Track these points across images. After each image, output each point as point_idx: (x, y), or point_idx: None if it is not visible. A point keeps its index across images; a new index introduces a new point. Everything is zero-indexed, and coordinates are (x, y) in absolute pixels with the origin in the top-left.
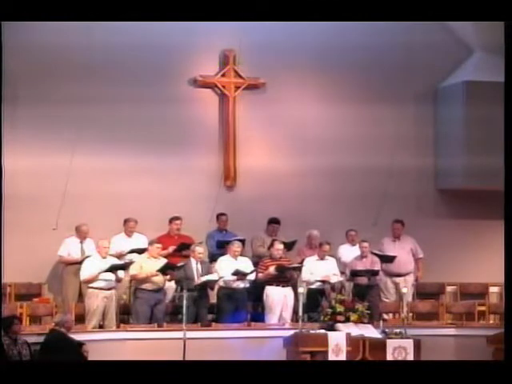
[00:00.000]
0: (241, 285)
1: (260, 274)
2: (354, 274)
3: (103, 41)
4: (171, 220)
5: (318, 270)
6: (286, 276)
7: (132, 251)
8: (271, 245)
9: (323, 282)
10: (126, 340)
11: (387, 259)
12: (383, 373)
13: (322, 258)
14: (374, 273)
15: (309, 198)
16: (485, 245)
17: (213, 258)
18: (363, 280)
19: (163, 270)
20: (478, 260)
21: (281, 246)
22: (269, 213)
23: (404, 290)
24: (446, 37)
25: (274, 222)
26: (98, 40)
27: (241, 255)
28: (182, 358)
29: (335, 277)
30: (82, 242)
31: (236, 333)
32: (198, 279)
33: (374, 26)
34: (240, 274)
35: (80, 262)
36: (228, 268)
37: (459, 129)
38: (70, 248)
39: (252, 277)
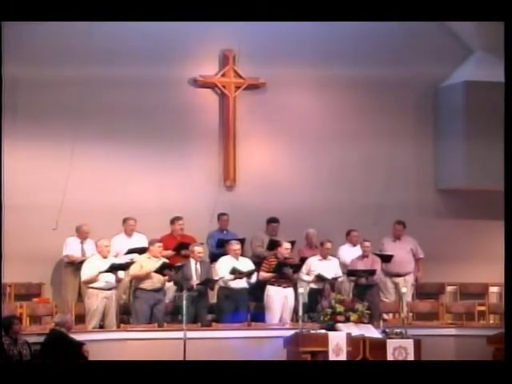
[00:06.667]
0: (240, 284)
1: (262, 273)
2: (351, 273)
3: (103, 41)
4: (173, 220)
5: (321, 269)
6: (285, 273)
7: (131, 251)
8: (278, 244)
9: (323, 280)
10: (126, 340)
11: (385, 259)
12: (383, 373)
13: (324, 258)
14: (371, 272)
15: (309, 198)
16: (485, 245)
17: (213, 258)
18: (361, 280)
19: (160, 270)
20: (478, 260)
21: (288, 245)
22: (269, 213)
23: (403, 290)
24: (446, 37)
25: (273, 221)
26: (98, 40)
27: (241, 255)
28: (182, 358)
29: (336, 276)
30: (82, 243)
31: (236, 333)
32: (198, 279)
33: (374, 26)
34: (237, 273)
35: (80, 263)
36: (228, 268)
37: (459, 129)
38: (71, 248)
39: (254, 278)
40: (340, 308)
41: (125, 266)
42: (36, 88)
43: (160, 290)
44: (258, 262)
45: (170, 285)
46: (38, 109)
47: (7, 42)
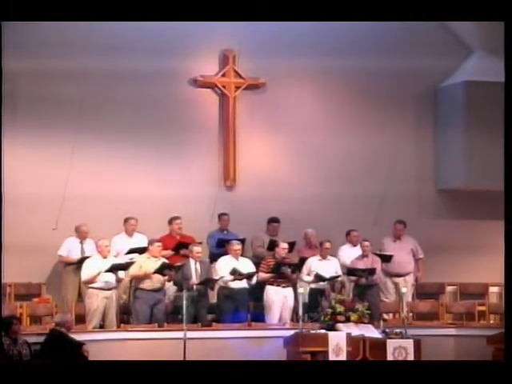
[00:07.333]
0: (240, 284)
1: (261, 274)
2: (351, 273)
3: (103, 41)
4: (171, 220)
5: (320, 269)
6: (284, 273)
7: (131, 251)
8: (276, 244)
9: (323, 280)
10: (127, 340)
11: (385, 258)
12: (383, 373)
13: (324, 258)
14: (371, 272)
15: (309, 198)
16: (485, 245)
17: (213, 258)
18: (361, 280)
19: (160, 270)
20: (478, 260)
21: (285, 246)
22: (269, 213)
23: (403, 290)
24: (446, 37)
25: (273, 221)
26: (98, 40)
27: (241, 255)
28: (182, 358)
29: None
30: (82, 243)
31: (236, 333)
32: (197, 279)
33: (375, 25)
34: (237, 274)
35: (79, 262)
36: (228, 268)
37: (459, 129)
38: (70, 248)
39: (254, 280)
40: (340, 308)
41: (125, 266)
42: (36, 83)
43: (160, 290)
44: (258, 262)
45: (169, 285)
46: (39, 105)
47: (7, 36)
